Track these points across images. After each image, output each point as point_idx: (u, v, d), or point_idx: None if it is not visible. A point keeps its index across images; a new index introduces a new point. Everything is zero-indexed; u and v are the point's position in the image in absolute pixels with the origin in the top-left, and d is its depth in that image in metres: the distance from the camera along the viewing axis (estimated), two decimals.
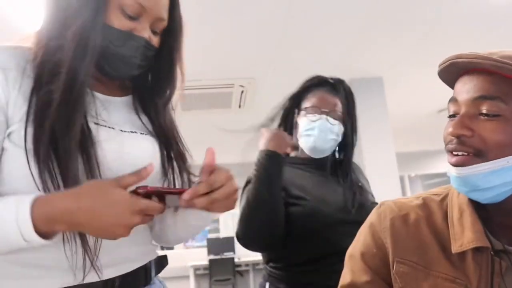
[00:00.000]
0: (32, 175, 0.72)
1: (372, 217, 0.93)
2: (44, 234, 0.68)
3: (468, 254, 0.79)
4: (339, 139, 1.48)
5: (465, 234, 0.79)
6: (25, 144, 0.72)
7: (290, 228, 1.32)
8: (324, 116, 1.44)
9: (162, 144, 0.93)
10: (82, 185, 0.70)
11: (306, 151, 1.49)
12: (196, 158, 0.99)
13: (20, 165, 0.72)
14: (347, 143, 1.53)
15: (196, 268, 7.25)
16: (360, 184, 1.54)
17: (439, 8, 2.79)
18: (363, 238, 0.92)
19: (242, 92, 4.02)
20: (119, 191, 0.70)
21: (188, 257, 7.36)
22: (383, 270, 0.86)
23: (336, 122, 1.46)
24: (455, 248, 0.79)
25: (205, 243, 7.53)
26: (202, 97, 3.98)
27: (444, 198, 0.90)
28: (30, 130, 0.72)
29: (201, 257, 7.36)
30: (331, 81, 1.53)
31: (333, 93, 1.49)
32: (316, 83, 1.52)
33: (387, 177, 3.79)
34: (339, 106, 1.49)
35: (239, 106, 4.42)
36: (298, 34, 2.97)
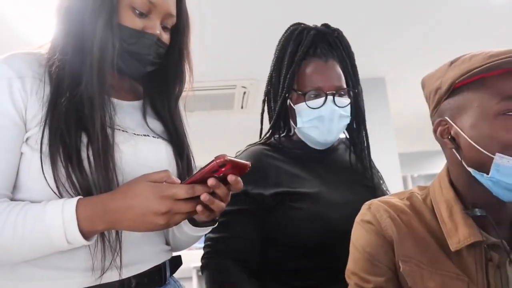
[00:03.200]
0: (44, 175, 0.74)
1: (366, 217, 0.90)
2: (85, 234, 0.72)
3: (463, 250, 0.80)
4: (350, 117, 1.16)
5: (459, 231, 0.80)
6: (40, 147, 0.74)
7: (287, 239, 1.08)
8: (330, 98, 1.09)
9: (175, 147, 0.94)
10: (119, 187, 0.75)
11: (309, 144, 1.17)
12: (198, 159, 1.00)
13: (37, 169, 0.74)
14: (357, 116, 1.18)
15: (198, 270, 7.23)
16: (380, 174, 1.24)
17: (441, 8, 2.78)
18: (368, 239, 0.88)
19: (244, 93, 4.02)
20: (144, 182, 0.73)
21: (191, 258, 7.29)
22: (393, 267, 0.85)
23: (345, 100, 1.12)
24: (453, 245, 0.80)
25: None
26: (205, 98, 3.98)
27: (426, 197, 0.90)
28: (47, 134, 0.74)
29: None
30: (325, 36, 1.16)
31: (331, 56, 1.14)
32: (308, 45, 1.13)
33: (390, 177, 3.76)
34: (341, 75, 1.13)
35: (241, 107, 4.41)
36: None
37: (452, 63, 0.84)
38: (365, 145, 1.21)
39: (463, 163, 0.81)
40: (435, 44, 3.33)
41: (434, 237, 0.84)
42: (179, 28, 0.94)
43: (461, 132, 0.80)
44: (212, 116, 4.58)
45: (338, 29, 1.20)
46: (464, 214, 0.81)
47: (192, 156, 0.99)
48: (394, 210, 0.88)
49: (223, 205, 0.77)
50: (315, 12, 2.70)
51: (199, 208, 0.73)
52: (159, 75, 0.96)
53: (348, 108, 1.13)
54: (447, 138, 0.83)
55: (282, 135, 1.22)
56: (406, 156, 7.12)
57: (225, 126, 5.24)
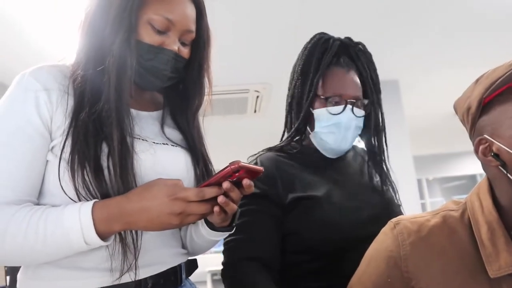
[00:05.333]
0: (60, 183, 0.77)
1: (387, 241, 0.86)
2: (102, 235, 0.74)
3: (501, 277, 0.75)
4: (361, 128, 1.21)
5: (501, 257, 0.75)
6: (60, 156, 0.77)
7: (300, 243, 1.09)
8: (349, 107, 1.13)
9: (193, 156, 0.96)
10: (135, 188, 0.77)
11: (321, 150, 1.19)
12: (212, 163, 1.01)
13: (60, 176, 0.78)
14: (376, 126, 1.23)
15: (213, 274, 7.26)
16: (393, 181, 1.26)
17: (456, 10, 2.76)
18: (376, 266, 0.85)
19: (258, 97, 4.03)
20: (159, 185, 0.76)
21: (205, 262, 7.36)
22: None
23: (362, 112, 1.17)
24: (492, 272, 0.75)
25: (222, 248, 7.52)
26: (218, 102, 4.00)
27: (463, 213, 0.85)
28: (69, 144, 0.77)
29: (219, 262, 7.31)
30: (348, 46, 1.21)
31: (352, 67, 1.19)
32: (332, 54, 1.17)
33: (404, 181, 3.74)
34: (360, 86, 1.18)
35: (255, 111, 4.42)
36: None
37: (477, 80, 0.82)
38: (384, 156, 1.24)
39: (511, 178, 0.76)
40: (449, 47, 3.31)
41: (466, 260, 0.79)
42: (199, 43, 0.96)
43: (503, 147, 0.76)
44: (226, 120, 4.60)
45: (361, 43, 1.24)
46: (507, 239, 0.76)
47: (211, 164, 1.01)
48: (420, 230, 0.84)
49: (236, 207, 0.81)
50: (328, 16, 2.70)
51: (216, 209, 0.77)
52: (179, 87, 0.99)
53: (362, 119, 1.18)
54: (490, 156, 0.79)
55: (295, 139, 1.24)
56: (421, 159, 7.06)
57: (238, 130, 5.25)
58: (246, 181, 0.77)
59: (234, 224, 0.92)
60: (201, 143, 1.01)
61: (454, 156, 8.22)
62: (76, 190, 0.76)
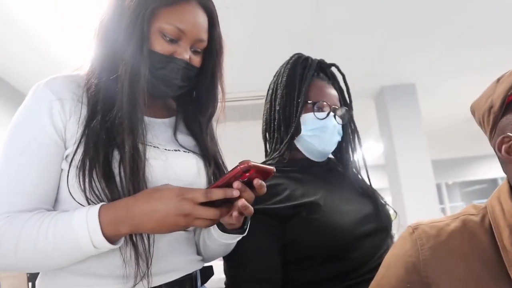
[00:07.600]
0: (69, 190, 0.78)
1: (405, 245, 0.84)
2: (110, 238, 0.74)
3: None
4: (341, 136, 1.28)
5: None
6: (70, 163, 0.78)
7: (301, 250, 1.09)
8: (332, 113, 1.22)
9: (206, 162, 0.96)
10: (144, 190, 0.77)
11: (307, 154, 1.25)
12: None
13: (72, 184, 0.79)
14: (353, 137, 1.32)
15: None
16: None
17: (472, 13, 2.73)
18: (395, 271, 0.84)
19: None
20: (167, 186, 0.76)
21: (221, 269, 7.34)
22: None
23: (341, 120, 1.26)
24: None
25: None
26: (233, 109, 4.02)
27: (484, 217, 0.83)
28: (81, 152, 0.78)
29: None
30: (325, 66, 1.33)
31: (331, 82, 1.31)
32: (314, 69, 1.29)
33: (423, 185, 3.70)
34: (338, 98, 1.30)
35: None
36: (327, 42, 2.97)
37: (498, 79, 0.81)
38: (352, 162, 1.32)
39: None
40: (466, 51, 3.28)
41: (488, 265, 0.77)
42: (211, 51, 0.96)
43: None
44: (241, 127, 4.61)
45: (334, 64, 1.35)
46: None
47: (226, 169, 1.01)
48: (439, 235, 0.82)
49: (252, 210, 0.79)
50: (343, 19, 2.70)
51: (235, 214, 0.77)
52: (192, 95, 1.00)
53: (341, 127, 1.26)
54: None
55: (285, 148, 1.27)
56: (440, 163, 6.97)
57: (254, 136, 5.25)
58: (257, 181, 0.75)
59: (245, 226, 0.91)
60: (215, 149, 1.01)
61: (474, 159, 8.09)
62: (87, 198, 0.76)
